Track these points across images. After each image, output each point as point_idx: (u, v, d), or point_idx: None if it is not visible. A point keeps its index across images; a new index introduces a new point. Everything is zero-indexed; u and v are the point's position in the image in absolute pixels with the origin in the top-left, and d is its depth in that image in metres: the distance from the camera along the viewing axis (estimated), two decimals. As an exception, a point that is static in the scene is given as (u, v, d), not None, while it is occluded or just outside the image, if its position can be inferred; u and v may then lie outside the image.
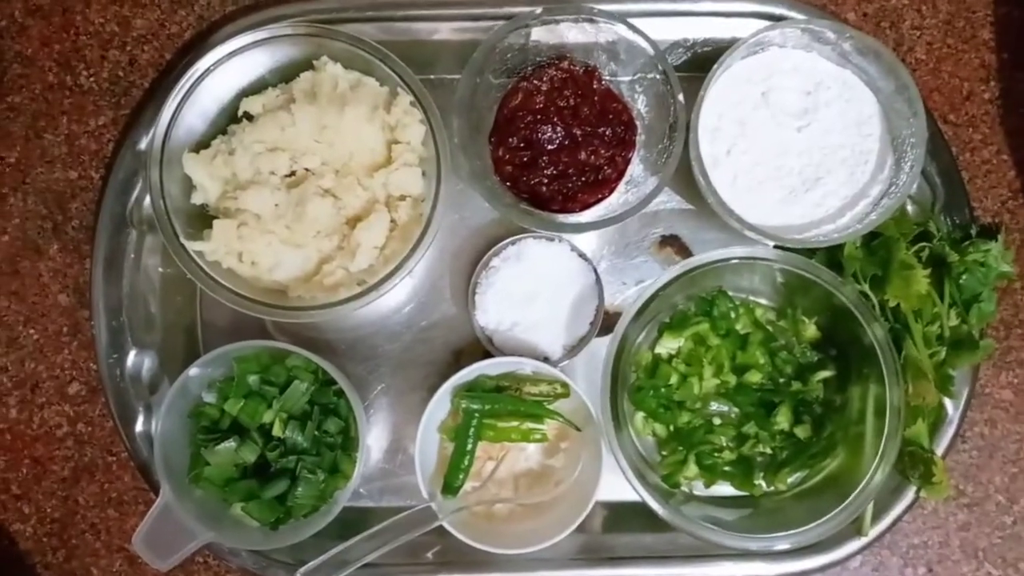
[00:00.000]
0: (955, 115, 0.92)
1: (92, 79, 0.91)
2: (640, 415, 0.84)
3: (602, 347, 0.79)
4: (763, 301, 0.86)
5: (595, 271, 0.85)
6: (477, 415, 0.81)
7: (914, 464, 0.78)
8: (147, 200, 0.86)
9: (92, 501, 0.87)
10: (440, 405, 0.81)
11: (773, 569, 0.83)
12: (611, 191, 0.85)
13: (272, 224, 0.79)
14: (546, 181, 0.84)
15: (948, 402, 0.84)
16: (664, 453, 0.84)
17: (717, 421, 0.84)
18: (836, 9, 0.92)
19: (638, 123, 0.86)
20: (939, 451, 0.83)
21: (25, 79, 0.91)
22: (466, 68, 0.80)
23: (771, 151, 0.83)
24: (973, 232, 0.86)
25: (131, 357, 0.86)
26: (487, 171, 0.85)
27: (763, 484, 0.82)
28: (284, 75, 0.84)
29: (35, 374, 0.88)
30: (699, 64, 0.86)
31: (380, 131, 0.81)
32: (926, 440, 0.79)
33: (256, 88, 0.84)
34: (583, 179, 0.84)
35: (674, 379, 0.83)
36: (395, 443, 0.87)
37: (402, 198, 0.82)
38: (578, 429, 0.82)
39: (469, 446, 0.81)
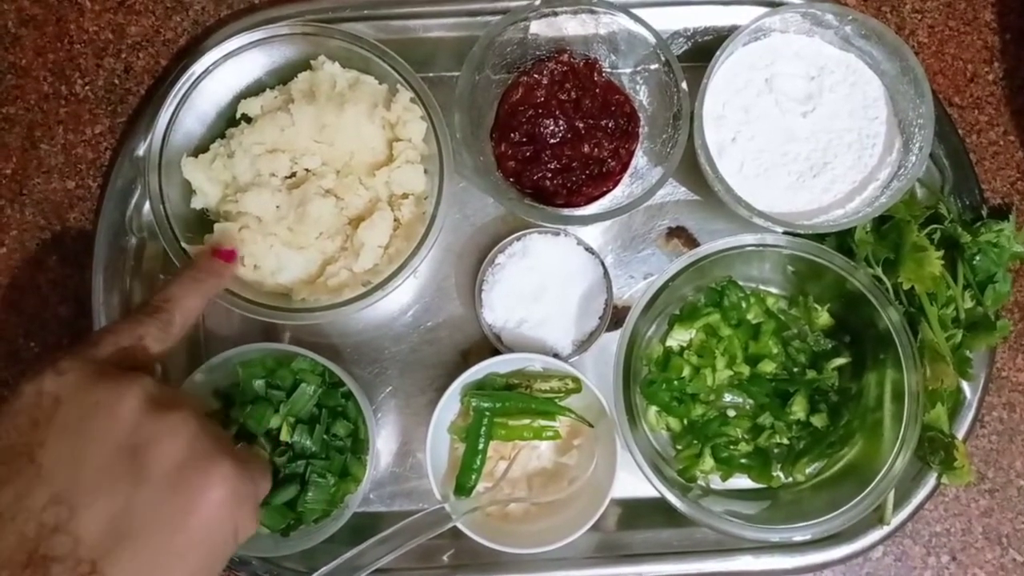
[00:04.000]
0: (960, 97, 0.92)
1: (87, 87, 0.91)
2: (653, 409, 0.82)
3: (612, 341, 0.78)
4: (774, 290, 0.85)
5: (603, 264, 0.84)
6: (488, 414, 0.79)
7: (934, 449, 0.77)
8: (146, 207, 0.85)
9: (98, 515, 0.85)
10: (449, 405, 0.80)
11: (794, 561, 0.81)
12: (615, 184, 0.85)
13: (274, 226, 0.78)
14: (550, 175, 0.83)
15: (966, 386, 0.82)
16: (679, 447, 0.82)
17: (732, 413, 0.83)
18: (836, -7, 0.92)
19: (640, 114, 0.86)
20: (959, 436, 0.81)
21: (20, 90, 0.90)
22: (465, 63, 0.79)
23: (777, 137, 0.82)
24: (984, 213, 0.85)
25: (134, 367, 0.85)
26: (490, 167, 0.84)
27: (781, 475, 0.81)
28: (281, 76, 0.83)
29: (37, 387, 0.87)
30: (700, 53, 0.86)
31: (380, 129, 0.81)
32: (946, 425, 0.77)
33: (254, 90, 0.83)
34: (587, 172, 0.83)
35: (686, 371, 0.82)
36: (405, 446, 0.86)
37: (405, 196, 0.81)
38: (591, 425, 0.80)
39: (480, 445, 0.79)
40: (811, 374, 0.81)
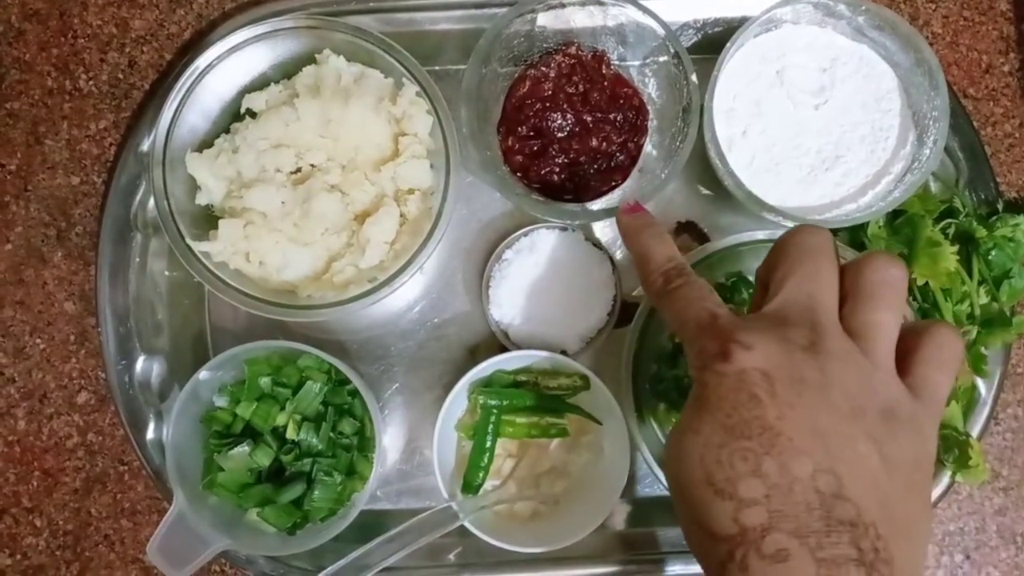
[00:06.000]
0: (975, 89, 0.90)
1: (92, 82, 0.90)
2: (662, 406, 0.81)
3: (621, 338, 0.77)
4: (785, 285, 0.84)
5: (611, 260, 0.83)
6: (495, 411, 0.79)
7: (948, 448, 0.76)
8: (151, 203, 0.84)
9: (105, 512, 0.85)
10: (456, 403, 0.79)
11: (805, 561, 0.80)
12: (624, 178, 0.84)
13: (279, 222, 0.77)
14: (557, 170, 0.82)
15: (980, 383, 0.81)
16: (688, 444, 0.81)
17: (742, 410, 0.81)
18: (849, -16, 0.90)
19: (649, 108, 0.84)
20: (973, 434, 0.80)
21: (24, 85, 0.90)
22: (472, 57, 0.78)
23: (788, 130, 0.80)
24: (999, 207, 0.84)
25: (140, 363, 0.84)
26: (497, 161, 0.83)
27: (792, 473, 0.80)
28: (286, 70, 0.82)
29: (43, 384, 0.86)
30: (710, 45, 0.85)
31: (386, 124, 0.80)
32: (960, 423, 0.76)
33: (258, 84, 0.82)
34: (595, 166, 0.82)
35: (696, 368, 0.81)
36: (411, 443, 0.85)
37: (411, 191, 0.80)
38: (599, 423, 0.79)
39: (488, 443, 0.79)
40: (823, 371, 0.79)
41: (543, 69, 0.83)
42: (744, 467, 0.43)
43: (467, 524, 0.75)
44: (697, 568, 0.81)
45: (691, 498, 0.45)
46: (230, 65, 0.80)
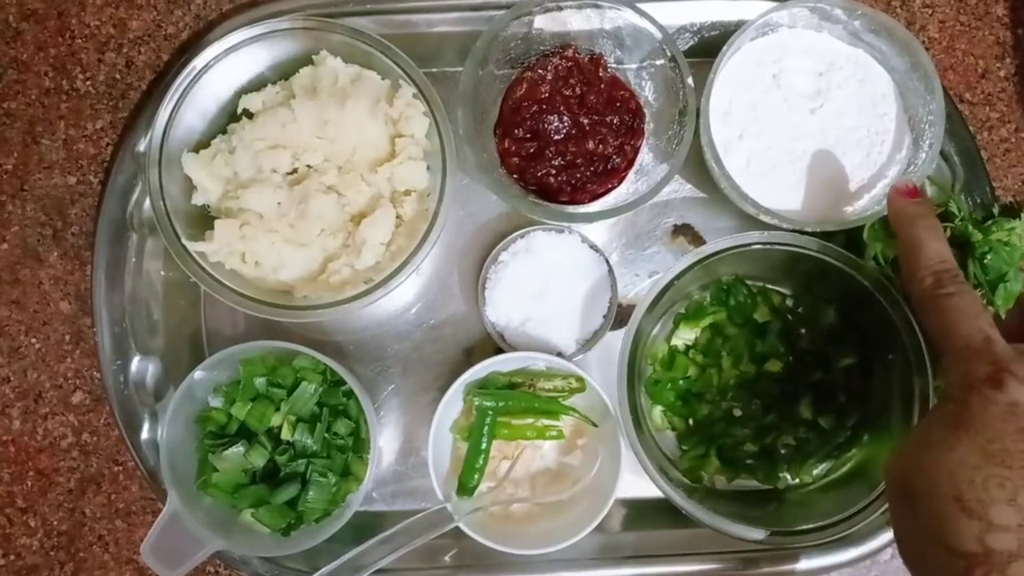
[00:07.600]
0: (971, 94, 0.90)
1: (89, 83, 0.90)
2: (658, 409, 0.82)
3: (616, 340, 0.77)
4: (781, 288, 0.84)
5: (607, 262, 0.83)
6: (491, 413, 0.79)
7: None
8: (147, 203, 0.85)
9: (99, 512, 0.85)
10: (452, 404, 0.79)
11: (801, 564, 0.80)
12: (620, 180, 0.84)
13: (275, 223, 0.78)
14: (554, 172, 0.82)
15: (975, 387, 0.81)
16: (684, 447, 0.82)
17: (738, 413, 0.82)
18: (845, -12, 0.90)
19: (646, 111, 0.85)
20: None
21: (21, 84, 0.90)
22: (468, 59, 0.78)
23: (785, 134, 0.81)
24: (995, 211, 0.84)
25: (135, 364, 0.84)
26: (493, 163, 0.83)
27: (787, 476, 0.80)
28: (283, 71, 0.82)
29: (38, 384, 0.86)
30: (706, 49, 0.85)
31: (383, 125, 0.80)
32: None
33: (255, 85, 0.82)
34: (591, 169, 0.83)
35: (692, 371, 0.81)
36: (407, 444, 0.85)
37: (407, 193, 0.80)
38: (595, 425, 0.79)
39: (483, 445, 0.79)
40: (818, 374, 0.80)
41: (540, 71, 0.83)
42: (1000, 494, 0.44)
43: (462, 526, 0.75)
44: (691, 569, 0.81)
45: (930, 509, 0.46)
46: (227, 66, 0.80)
